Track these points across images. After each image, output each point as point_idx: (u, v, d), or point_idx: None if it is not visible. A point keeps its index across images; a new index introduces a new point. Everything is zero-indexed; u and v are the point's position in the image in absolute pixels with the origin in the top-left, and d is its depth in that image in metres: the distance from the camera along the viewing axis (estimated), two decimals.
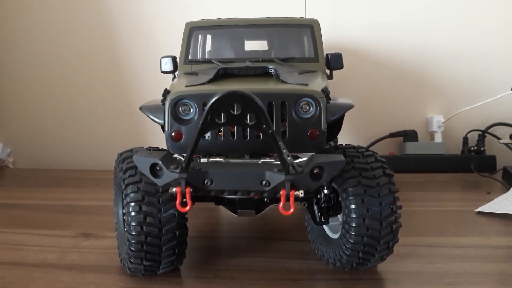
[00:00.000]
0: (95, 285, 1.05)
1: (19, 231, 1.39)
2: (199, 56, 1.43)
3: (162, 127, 1.05)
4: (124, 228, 1.06)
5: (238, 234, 1.37)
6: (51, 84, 2.32)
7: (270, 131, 0.82)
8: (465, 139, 2.15)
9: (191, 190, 0.89)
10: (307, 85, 1.04)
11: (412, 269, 1.11)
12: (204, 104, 0.99)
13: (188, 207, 0.89)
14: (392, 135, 2.21)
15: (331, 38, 2.06)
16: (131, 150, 1.09)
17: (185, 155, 0.89)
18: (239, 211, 1.07)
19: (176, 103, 1.01)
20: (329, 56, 1.36)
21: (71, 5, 2.24)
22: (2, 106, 2.37)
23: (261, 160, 0.99)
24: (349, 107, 1.07)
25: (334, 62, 1.35)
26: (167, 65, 1.36)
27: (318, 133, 1.01)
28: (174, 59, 1.37)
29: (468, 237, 1.32)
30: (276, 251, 1.22)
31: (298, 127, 1.00)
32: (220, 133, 1.01)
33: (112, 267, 1.13)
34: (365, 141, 2.18)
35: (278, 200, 0.89)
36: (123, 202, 1.02)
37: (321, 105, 1.00)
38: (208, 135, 1.01)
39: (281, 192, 0.87)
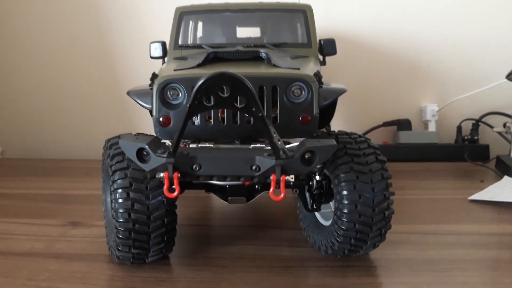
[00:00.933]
0: (82, 273, 1.03)
1: (6, 220, 1.37)
2: (189, 41, 1.40)
3: (150, 112, 1.02)
4: (112, 215, 1.04)
5: (229, 222, 1.36)
6: (39, 74, 2.28)
7: (260, 114, 0.80)
8: (459, 128, 2.15)
9: (179, 175, 0.86)
10: (299, 69, 1.02)
11: (405, 256, 1.10)
12: (193, 88, 0.96)
13: (176, 193, 0.87)
14: (386, 124, 2.20)
15: (324, 25, 2.03)
16: (118, 136, 1.06)
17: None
18: (229, 198, 1.06)
19: (164, 87, 0.98)
20: (322, 41, 1.33)
21: None
22: None
23: (252, 146, 0.97)
24: (341, 91, 1.05)
25: (327, 47, 1.33)
26: (157, 50, 1.33)
27: (310, 118, 0.99)
28: (163, 44, 1.34)
29: (461, 224, 1.31)
30: (267, 239, 1.21)
31: (290, 112, 0.98)
32: (210, 120, 0.99)
33: (100, 255, 1.11)
34: (358, 130, 2.14)
35: (269, 187, 0.87)
36: (110, 189, 0.99)
37: (313, 89, 0.98)
38: (197, 121, 0.99)
39: (271, 177, 0.85)
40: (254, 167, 0.86)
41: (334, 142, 0.88)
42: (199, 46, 1.30)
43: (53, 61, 2.26)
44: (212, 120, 0.98)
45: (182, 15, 1.38)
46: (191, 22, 1.42)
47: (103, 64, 2.25)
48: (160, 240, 1.00)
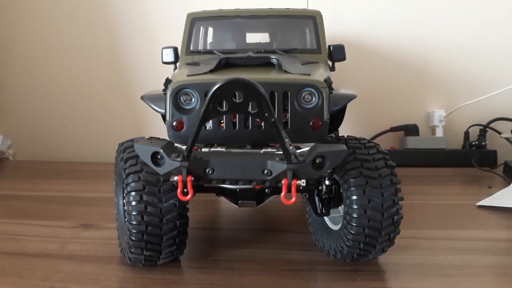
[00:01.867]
0: (95, 275, 1.05)
1: (19, 221, 1.39)
2: (200, 47, 1.42)
3: (163, 117, 1.04)
4: (125, 218, 1.05)
5: (239, 226, 1.37)
6: (51, 76, 2.31)
7: (273, 119, 0.81)
8: (466, 133, 2.15)
9: (193, 179, 0.88)
10: (309, 75, 1.04)
11: (413, 261, 1.11)
12: (206, 94, 0.98)
13: (189, 196, 0.89)
14: (393, 129, 2.21)
15: (333, 31, 2.04)
16: (132, 140, 1.08)
17: (186, 145, 0.89)
18: (240, 201, 1.07)
19: (178, 92, 1.00)
20: (331, 47, 1.35)
21: None
22: (3, 99, 2.36)
23: (263, 150, 0.98)
24: (351, 97, 1.06)
25: (337, 53, 1.34)
26: (169, 56, 1.35)
27: (320, 123, 1.00)
28: (175, 50, 1.36)
29: (469, 230, 1.32)
30: (276, 243, 1.22)
31: (300, 117, 0.99)
32: (222, 124, 1.00)
33: (112, 257, 1.13)
34: (366, 135, 2.13)
35: (279, 191, 0.88)
36: (123, 192, 1.01)
37: (324, 95, 1.00)
38: (209, 125, 1.00)
39: (282, 182, 0.87)
40: (266, 171, 0.88)
41: (344, 147, 0.90)
42: (210, 52, 1.32)
43: (65, 65, 2.29)
44: (224, 125, 1.00)
45: (194, 21, 1.40)
46: (202, 28, 1.45)
47: (115, 69, 2.28)
48: (172, 242, 1.02)
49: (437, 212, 1.48)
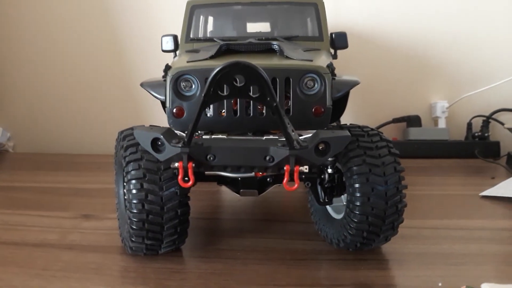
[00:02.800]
0: (96, 264, 1.04)
1: (19, 212, 1.38)
2: (200, 35, 1.40)
3: (163, 104, 1.03)
4: (125, 206, 1.04)
5: (241, 216, 1.36)
6: (51, 68, 2.30)
7: (275, 104, 0.80)
8: (469, 124, 2.13)
9: (194, 165, 0.87)
10: (311, 61, 1.02)
11: (417, 250, 1.10)
12: (206, 80, 0.96)
13: (190, 183, 0.88)
14: (396, 120, 2.19)
15: (334, 20, 2.02)
16: (131, 128, 1.07)
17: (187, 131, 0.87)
18: (241, 190, 1.06)
19: (178, 79, 0.99)
20: (333, 35, 1.33)
21: None
22: (2, 91, 2.34)
23: (265, 137, 0.97)
24: (354, 83, 1.04)
25: (339, 41, 1.33)
26: (168, 44, 1.33)
27: (322, 110, 0.98)
28: (175, 37, 1.34)
29: (473, 219, 1.31)
30: (279, 232, 1.21)
31: (303, 104, 0.98)
32: (223, 113, 0.99)
33: (113, 247, 1.12)
34: None
35: (281, 180, 0.87)
36: (124, 181, 1.00)
37: (326, 81, 0.98)
38: (210, 112, 0.99)
39: (285, 168, 0.85)
40: (268, 158, 0.87)
41: (348, 133, 0.88)
42: (210, 39, 1.31)
43: (64, 56, 2.28)
44: (225, 112, 0.98)
45: (194, 9, 1.39)
46: (202, 16, 1.43)
47: (114, 58, 2.27)
48: (173, 231, 1.01)
49: (441, 203, 1.47)
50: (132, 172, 0.97)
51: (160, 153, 0.87)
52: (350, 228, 1.00)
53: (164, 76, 1.01)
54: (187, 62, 1.03)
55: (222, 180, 1.07)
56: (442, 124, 2.16)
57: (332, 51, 1.35)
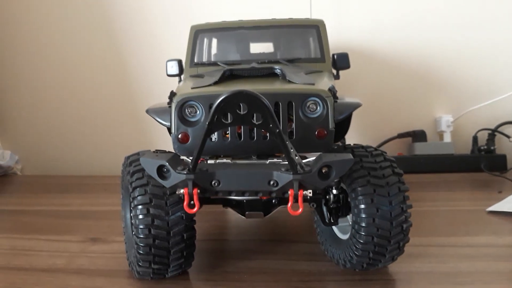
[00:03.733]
0: None
1: (28, 236, 1.39)
2: (204, 59, 1.43)
3: (169, 129, 1.04)
4: (132, 231, 1.05)
5: (246, 237, 1.36)
6: (58, 91, 2.33)
7: (277, 130, 0.81)
8: (475, 138, 2.13)
9: (199, 191, 0.88)
10: (313, 84, 1.04)
11: (424, 269, 1.10)
12: (211, 106, 0.98)
13: (195, 209, 0.89)
14: (401, 135, 2.20)
15: (337, 38, 2.05)
16: (138, 153, 1.09)
17: (192, 157, 0.89)
18: (247, 212, 1.06)
19: (183, 105, 1.01)
20: (335, 56, 1.35)
21: (76, 11, 2.26)
22: (10, 114, 2.38)
23: (269, 161, 0.98)
24: (356, 106, 1.06)
25: (341, 62, 1.35)
26: (173, 68, 1.36)
27: (325, 132, 1.00)
28: (179, 62, 1.37)
29: (480, 236, 1.30)
30: (285, 253, 1.21)
31: (306, 127, 0.99)
32: (227, 135, 1.00)
33: (120, 271, 1.13)
34: (373, 142, 2.16)
35: (286, 201, 0.88)
36: (130, 205, 1.01)
37: (328, 104, 0.99)
38: (214, 137, 1.00)
39: (289, 192, 0.86)
40: (272, 182, 0.88)
41: (350, 156, 0.89)
42: (214, 64, 1.33)
43: (71, 78, 2.32)
44: (229, 136, 1.00)
45: (198, 33, 1.41)
46: (206, 39, 1.46)
47: (120, 82, 2.30)
48: (179, 255, 1.01)
49: (447, 219, 1.46)
50: (139, 198, 0.98)
51: (166, 179, 0.89)
52: (356, 249, 1.00)
53: (169, 103, 1.03)
54: (192, 88, 1.05)
55: (228, 203, 1.08)
56: (447, 138, 2.16)
57: (334, 71, 1.37)
